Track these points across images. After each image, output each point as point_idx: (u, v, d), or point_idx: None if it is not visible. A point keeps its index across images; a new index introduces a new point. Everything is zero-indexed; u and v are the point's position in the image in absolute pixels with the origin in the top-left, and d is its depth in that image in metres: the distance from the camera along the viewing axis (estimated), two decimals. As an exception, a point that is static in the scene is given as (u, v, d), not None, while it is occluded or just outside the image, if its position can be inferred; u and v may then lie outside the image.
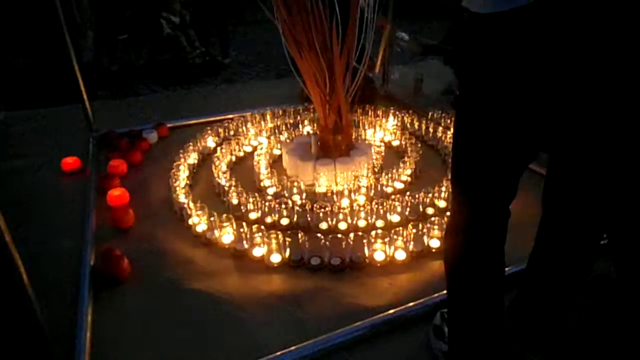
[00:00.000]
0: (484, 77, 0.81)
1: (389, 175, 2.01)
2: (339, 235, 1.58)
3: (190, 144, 2.27)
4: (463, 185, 0.95)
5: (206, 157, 2.32)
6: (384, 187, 1.97)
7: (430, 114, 2.60)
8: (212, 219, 1.69)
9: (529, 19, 0.70)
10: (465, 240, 0.98)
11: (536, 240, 1.08)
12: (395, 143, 2.46)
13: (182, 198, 1.85)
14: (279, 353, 1.25)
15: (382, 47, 3.07)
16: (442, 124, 2.53)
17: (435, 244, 1.64)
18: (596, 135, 0.81)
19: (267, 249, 1.59)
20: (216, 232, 1.69)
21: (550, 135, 0.86)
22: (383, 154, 2.26)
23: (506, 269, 1.43)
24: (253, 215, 1.82)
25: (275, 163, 2.29)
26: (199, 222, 1.75)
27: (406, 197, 1.81)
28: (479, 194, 0.92)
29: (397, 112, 2.64)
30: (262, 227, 1.66)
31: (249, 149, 2.41)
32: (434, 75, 3.37)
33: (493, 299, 1.02)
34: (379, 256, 1.59)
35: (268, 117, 2.62)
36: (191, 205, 1.77)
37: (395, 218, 1.79)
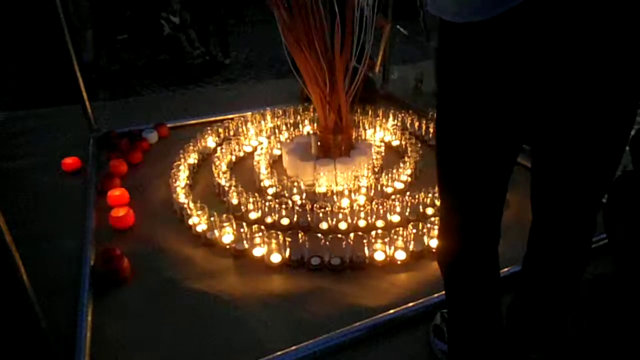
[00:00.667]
0: (464, 81, 0.81)
1: (389, 175, 2.01)
2: (339, 235, 1.58)
3: (190, 144, 2.27)
4: (450, 186, 0.95)
5: (206, 157, 2.32)
6: (384, 187, 1.97)
7: (430, 114, 2.60)
8: (212, 219, 1.69)
9: (510, 23, 0.70)
10: (457, 242, 0.98)
11: (529, 242, 1.08)
12: (395, 143, 2.46)
13: (182, 198, 1.85)
14: (279, 353, 1.25)
15: (382, 47, 3.07)
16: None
17: (435, 243, 1.64)
18: (579, 130, 0.81)
19: (267, 249, 1.59)
20: (216, 232, 1.69)
21: (534, 131, 0.86)
22: (383, 154, 2.26)
23: (506, 269, 1.44)
24: (253, 215, 1.82)
25: (275, 163, 2.30)
26: (199, 222, 1.75)
27: (406, 197, 1.81)
28: (467, 194, 0.92)
29: (397, 112, 2.64)
30: (262, 227, 1.66)
31: (249, 149, 2.41)
32: (434, 75, 3.38)
33: (489, 299, 1.02)
34: (379, 256, 1.59)
35: (268, 117, 2.62)
36: (191, 205, 1.77)
37: (395, 218, 1.79)
